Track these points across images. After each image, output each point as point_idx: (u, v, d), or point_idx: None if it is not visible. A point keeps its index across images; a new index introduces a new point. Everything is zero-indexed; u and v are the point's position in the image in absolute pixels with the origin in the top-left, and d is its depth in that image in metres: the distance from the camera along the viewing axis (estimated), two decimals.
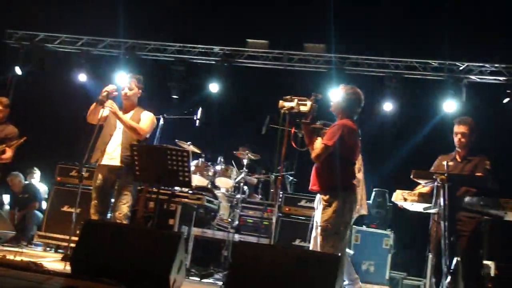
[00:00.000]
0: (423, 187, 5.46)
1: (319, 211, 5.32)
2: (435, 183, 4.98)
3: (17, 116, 8.04)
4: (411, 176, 5.25)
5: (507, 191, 5.17)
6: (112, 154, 6.11)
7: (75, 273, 4.40)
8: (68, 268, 4.72)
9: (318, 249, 5.20)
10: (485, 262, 7.39)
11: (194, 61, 11.90)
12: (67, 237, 6.52)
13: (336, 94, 5.59)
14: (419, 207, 5.44)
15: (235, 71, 11.60)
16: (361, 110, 5.56)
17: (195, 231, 8.01)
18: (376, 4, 10.86)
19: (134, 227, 5.99)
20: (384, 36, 10.74)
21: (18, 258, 5.22)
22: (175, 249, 4.42)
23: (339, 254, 4.60)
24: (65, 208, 8.61)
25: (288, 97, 5.48)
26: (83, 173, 7.02)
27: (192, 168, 8.40)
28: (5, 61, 12.29)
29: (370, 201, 9.08)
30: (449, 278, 4.83)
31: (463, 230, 5.33)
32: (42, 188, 10.59)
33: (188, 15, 11.50)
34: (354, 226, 8.34)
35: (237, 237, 8.22)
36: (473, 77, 10.57)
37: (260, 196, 9.70)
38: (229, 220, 8.45)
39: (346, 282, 5.81)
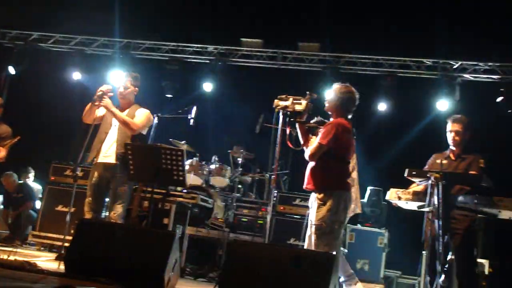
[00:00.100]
0: (417, 185, 5.47)
1: (313, 209, 5.33)
2: (429, 182, 4.99)
3: (10, 115, 8.02)
4: (405, 175, 5.26)
5: (501, 190, 5.18)
6: (108, 152, 6.13)
7: (69, 273, 4.39)
8: (62, 267, 4.71)
9: (313, 247, 5.20)
10: (479, 260, 7.44)
11: (188, 60, 11.88)
12: (61, 237, 6.49)
13: (330, 93, 5.59)
14: (413, 205, 5.46)
15: (229, 70, 11.59)
16: (355, 109, 5.56)
17: (190, 230, 8.00)
18: (370, 2, 10.87)
19: (129, 226, 5.99)
20: (378, 35, 10.75)
21: (12, 258, 5.20)
22: (170, 248, 4.42)
23: (334, 253, 4.60)
24: (59, 208, 8.59)
25: (283, 96, 5.49)
26: (78, 173, 7.01)
27: (187, 167, 8.41)
28: None
29: (365, 200, 9.09)
30: (443, 276, 4.85)
31: (457, 228, 5.35)
32: (36, 188, 10.56)
33: (182, 14, 11.48)
34: (348, 224, 8.35)
35: (231, 236, 8.21)
36: (467, 75, 10.59)
37: (254, 195, 9.70)
38: (224, 219, 8.45)
39: (342, 279, 5.83)
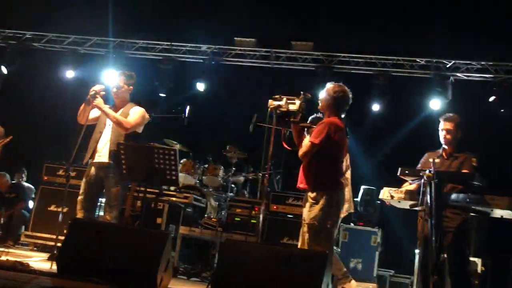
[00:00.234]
0: (410, 184, 5.48)
1: (306, 208, 5.33)
2: (422, 180, 5.00)
3: (3, 115, 8.00)
4: (398, 174, 5.27)
5: (493, 188, 5.19)
6: (102, 151, 6.12)
7: (62, 273, 4.38)
8: (54, 267, 4.70)
9: (306, 246, 5.21)
10: (471, 258, 7.46)
11: (182, 59, 11.87)
12: (54, 237, 6.48)
13: (323, 92, 5.59)
14: (406, 204, 5.46)
15: (223, 70, 11.58)
16: (348, 108, 5.57)
17: (183, 229, 7.99)
18: (364, 2, 10.89)
19: (121, 226, 5.98)
20: (372, 35, 10.77)
21: (4, 258, 5.19)
22: (162, 248, 4.42)
23: (326, 252, 4.60)
24: (52, 208, 8.56)
25: (277, 96, 5.46)
26: (70, 173, 6.99)
27: (180, 167, 8.40)
28: None
29: (358, 199, 9.10)
30: (436, 275, 4.85)
31: (449, 226, 5.35)
32: (29, 188, 10.52)
33: (175, 13, 11.47)
34: (342, 224, 8.36)
35: (224, 235, 8.21)
36: (459, 74, 10.61)
37: (248, 195, 9.70)
38: (217, 218, 8.44)
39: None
